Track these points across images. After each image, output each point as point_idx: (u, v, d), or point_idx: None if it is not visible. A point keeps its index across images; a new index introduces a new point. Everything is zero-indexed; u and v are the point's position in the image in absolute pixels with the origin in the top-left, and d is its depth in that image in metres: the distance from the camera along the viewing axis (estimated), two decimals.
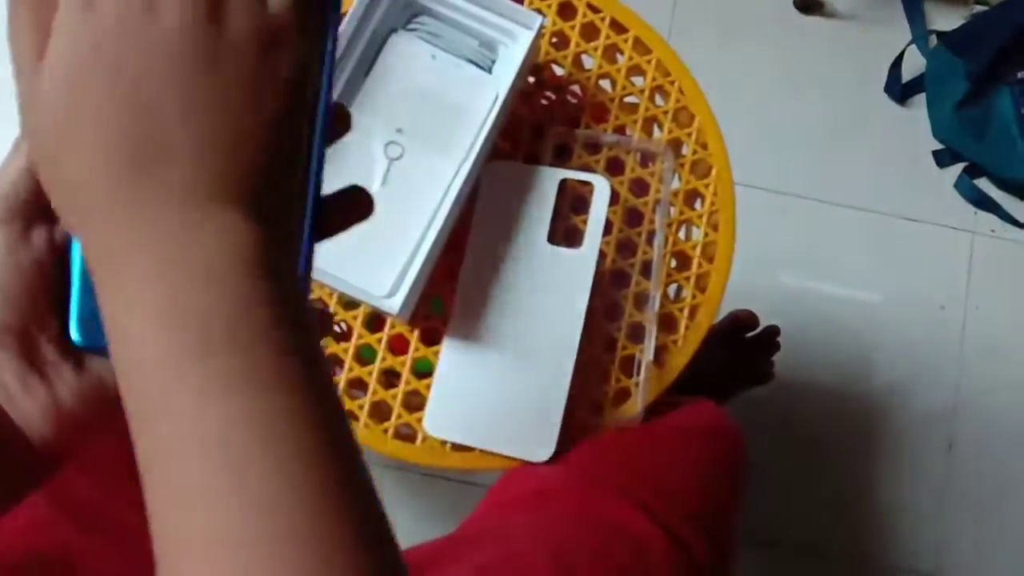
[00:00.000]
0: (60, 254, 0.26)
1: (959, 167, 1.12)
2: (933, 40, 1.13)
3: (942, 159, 1.12)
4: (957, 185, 1.11)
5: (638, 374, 0.56)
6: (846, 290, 1.10)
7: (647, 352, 0.56)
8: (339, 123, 0.27)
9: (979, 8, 1.13)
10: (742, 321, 0.91)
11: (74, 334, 0.26)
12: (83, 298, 0.26)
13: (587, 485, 0.50)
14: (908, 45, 1.13)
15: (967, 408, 1.06)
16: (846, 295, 1.10)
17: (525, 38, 0.53)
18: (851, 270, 1.10)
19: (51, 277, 0.26)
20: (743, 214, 1.13)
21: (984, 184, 1.12)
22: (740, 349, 0.93)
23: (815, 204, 1.11)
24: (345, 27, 0.52)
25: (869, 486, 1.05)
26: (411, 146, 0.54)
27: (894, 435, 1.06)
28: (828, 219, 1.11)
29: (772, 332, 0.94)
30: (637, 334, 0.57)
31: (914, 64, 1.15)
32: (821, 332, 1.08)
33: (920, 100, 1.15)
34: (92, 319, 0.26)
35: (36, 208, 0.26)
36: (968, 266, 1.10)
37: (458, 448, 0.54)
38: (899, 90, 1.13)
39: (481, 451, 0.54)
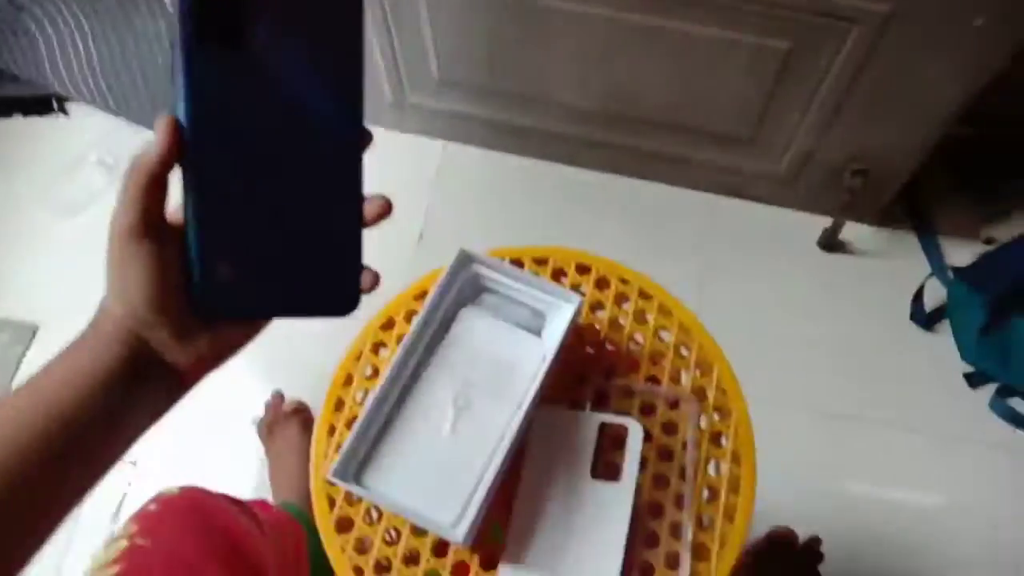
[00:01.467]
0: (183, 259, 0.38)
1: (992, 387, 1.18)
2: (950, 272, 1.24)
3: (974, 381, 1.19)
4: (991, 406, 1.17)
5: None
6: (894, 508, 1.13)
7: None
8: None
9: (988, 247, 1.24)
10: (781, 537, 0.95)
11: (195, 310, 0.38)
12: (199, 286, 0.38)
13: None
14: (927, 278, 1.24)
15: None
16: (895, 514, 1.12)
17: (567, 310, 0.66)
18: (898, 487, 1.14)
19: (179, 273, 0.38)
20: (786, 435, 1.20)
21: (1018, 403, 1.17)
22: (786, 565, 0.96)
23: (855, 422, 1.18)
24: (426, 310, 0.66)
25: None
26: (476, 398, 0.66)
27: None
28: (869, 438, 1.17)
29: (814, 542, 0.97)
30: (673, 562, 0.64)
31: (937, 292, 1.25)
32: (875, 552, 1.10)
33: (947, 325, 1.24)
34: (203, 300, 0.38)
35: (164, 227, 0.38)
36: (1016, 485, 1.13)
37: None
38: (924, 319, 1.23)
39: None
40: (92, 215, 1.43)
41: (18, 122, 1.52)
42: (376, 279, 0.39)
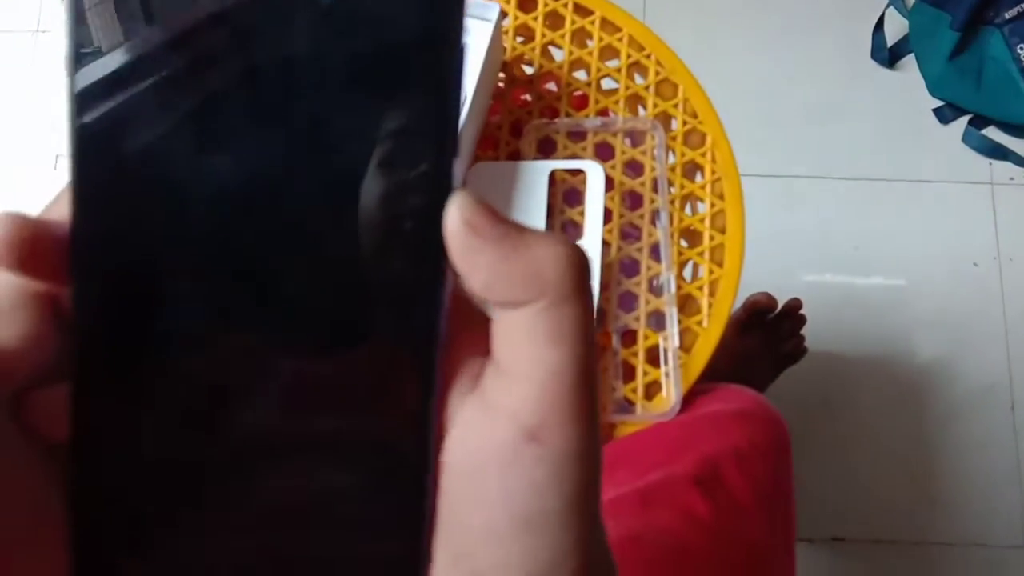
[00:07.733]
0: None
1: (963, 120, 1.08)
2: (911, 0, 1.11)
3: (944, 115, 1.08)
4: (965, 139, 1.07)
5: (666, 363, 0.52)
6: (872, 263, 1.05)
7: (672, 339, 0.52)
8: None
9: None
10: (761, 304, 0.87)
11: None
12: None
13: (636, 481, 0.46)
14: (887, 8, 1.11)
15: (1021, 363, 1.00)
16: (873, 267, 1.05)
17: (485, 31, 0.51)
18: (874, 242, 1.06)
19: None
20: (749, 203, 1.08)
21: (993, 132, 1.08)
22: (765, 332, 0.88)
23: (823, 181, 1.07)
24: None
25: (934, 463, 0.98)
26: None
27: (952, 406, 1.00)
28: (840, 194, 1.07)
29: (794, 306, 0.90)
30: (658, 321, 0.53)
31: (897, 26, 1.12)
32: (856, 309, 1.03)
33: (910, 61, 1.12)
34: None
35: None
36: (993, 218, 1.06)
37: None
38: (887, 54, 1.10)
39: None
40: None
41: None
42: None
